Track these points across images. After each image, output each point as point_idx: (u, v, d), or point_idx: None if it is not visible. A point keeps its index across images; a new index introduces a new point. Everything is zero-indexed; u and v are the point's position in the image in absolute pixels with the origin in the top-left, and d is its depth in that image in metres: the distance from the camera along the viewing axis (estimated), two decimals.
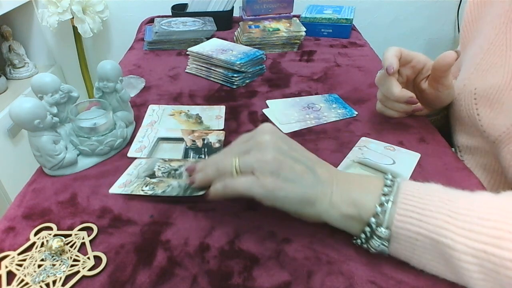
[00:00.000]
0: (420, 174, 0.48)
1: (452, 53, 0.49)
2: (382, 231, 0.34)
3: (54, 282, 0.34)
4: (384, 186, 0.35)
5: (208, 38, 0.87)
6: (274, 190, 0.35)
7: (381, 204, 0.34)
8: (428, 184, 0.35)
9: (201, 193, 0.42)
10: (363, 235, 0.35)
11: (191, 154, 0.51)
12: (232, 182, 0.36)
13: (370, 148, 0.52)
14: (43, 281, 0.34)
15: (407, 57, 0.53)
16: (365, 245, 0.36)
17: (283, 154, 0.36)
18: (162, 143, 0.54)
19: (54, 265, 0.35)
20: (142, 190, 0.44)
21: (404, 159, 0.50)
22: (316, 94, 0.69)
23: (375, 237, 0.34)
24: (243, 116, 0.62)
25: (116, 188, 0.45)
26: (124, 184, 0.45)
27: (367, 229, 0.35)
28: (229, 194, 0.37)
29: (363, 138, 0.55)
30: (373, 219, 0.34)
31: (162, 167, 0.48)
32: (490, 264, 0.30)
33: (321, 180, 0.37)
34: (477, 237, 0.30)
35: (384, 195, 0.35)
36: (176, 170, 0.47)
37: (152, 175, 0.47)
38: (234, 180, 0.36)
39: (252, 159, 0.36)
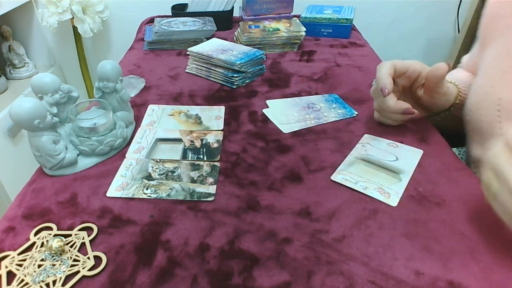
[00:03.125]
0: (420, 173, 0.48)
1: (443, 65, 0.48)
2: None
3: (54, 282, 0.34)
4: None
5: (208, 38, 0.87)
6: None
7: None
8: None
9: (210, 199, 0.43)
10: None
11: (190, 154, 0.51)
12: None
13: (373, 145, 0.53)
14: (43, 281, 0.34)
15: (401, 69, 0.52)
16: None
17: None
18: (160, 144, 0.54)
19: (54, 265, 0.35)
20: (145, 193, 0.44)
21: (407, 156, 0.51)
22: (316, 94, 0.69)
23: None
24: (243, 116, 0.62)
25: (114, 191, 0.45)
26: (122, 187, 0.45)
27: None
28: None
29: (366, 135, 0.55)
30: None
31: (157, 168, 0.48)
32: None
33: None
34: None
35: None
36: (172, 172, 0.47)
37: (149, 177, 0.47)
38: None
39: None
